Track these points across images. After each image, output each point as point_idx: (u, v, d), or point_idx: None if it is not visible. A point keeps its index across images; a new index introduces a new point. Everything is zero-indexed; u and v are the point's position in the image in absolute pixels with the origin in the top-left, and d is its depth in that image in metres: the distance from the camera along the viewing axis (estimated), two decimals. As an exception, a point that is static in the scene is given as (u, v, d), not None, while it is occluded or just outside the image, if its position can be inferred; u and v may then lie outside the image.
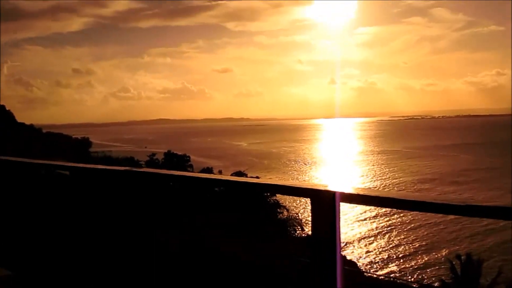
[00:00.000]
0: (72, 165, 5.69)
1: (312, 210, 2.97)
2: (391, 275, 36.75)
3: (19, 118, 79.50)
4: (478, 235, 44.95)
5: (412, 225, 49.15)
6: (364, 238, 46.85)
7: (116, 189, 4.50)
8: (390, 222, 50.80)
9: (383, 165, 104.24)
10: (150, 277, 4.06)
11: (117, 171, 4.37)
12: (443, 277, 28.34)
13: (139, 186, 4.27)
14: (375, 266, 39.94)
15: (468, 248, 40.41)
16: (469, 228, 46.23)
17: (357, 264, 35.46)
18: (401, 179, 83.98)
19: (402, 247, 44.20)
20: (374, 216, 51.93)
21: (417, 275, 37.63)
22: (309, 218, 2.99)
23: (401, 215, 50.73)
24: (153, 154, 51.69)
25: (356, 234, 47.35)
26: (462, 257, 25.40)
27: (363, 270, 35.88)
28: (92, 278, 4.45)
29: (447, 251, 41.54)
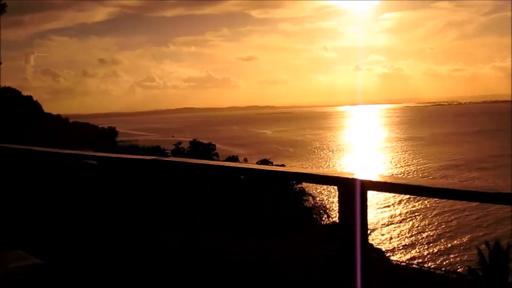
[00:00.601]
0: (98, 154, 5.75)
1: (340, 199, 2.96)
2: (418, 263, 36.59)
3: (46, 109, 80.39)
4: (505, 220, 44.44)
5: (436, 211, 48.79)
6: (388, 224, 46.67)
7: (143, 179, 4.53)
8: (413, 208, 50.49)
9: (408, 152, 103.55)
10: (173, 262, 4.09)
11: (145, 160, 4.41)
12: (469, 265, 28.11)
13: (167, 175, 4.30)
14: (399, 253, 39.82)
15: (493, 234, 40.14)
16: (493, 214, 45.74)
17: (384, 252, 35.36)
18: (426, 165, 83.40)
19: (427, 233, 43.93)
20: (397, 203, 51.66)
21: (442, 261, 37.44)
22: (334, 206, 2.99)
23: (423, 201, 50.40)
24: (179, 143, 51.84)
25: (379, 221, 47.14)
26: (491, 244, 25.16)
27: (390, 258, 35.80)
28: (117, 267, 4.50)
29: (471, 237, 41.27)
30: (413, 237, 43.37)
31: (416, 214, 49.16)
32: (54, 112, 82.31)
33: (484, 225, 44.26)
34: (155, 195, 4.37)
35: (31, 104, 70.81)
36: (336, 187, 2.99)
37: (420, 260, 37.49)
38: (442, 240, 41.88)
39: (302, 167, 69.01)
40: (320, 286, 4.06)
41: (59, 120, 77.34)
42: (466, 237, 41.73)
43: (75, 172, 5.91)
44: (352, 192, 2.88)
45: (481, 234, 41.19)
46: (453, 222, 46.00)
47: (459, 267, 34.91)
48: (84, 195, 5.46)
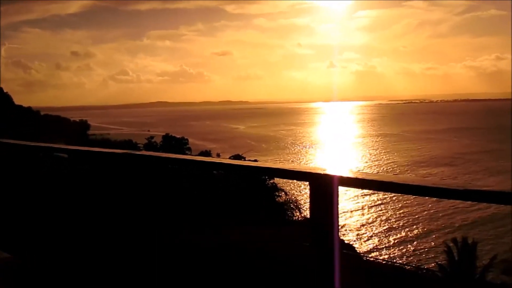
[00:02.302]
0: (69, 147, 5.67)
1: (311, 194, 2.96)
2: (389, 259, 36.94)
3: (18, 101, 79.26)
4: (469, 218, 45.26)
5: (405, 208, 49.39)
6: (359, 221, 47.05)
7: (114, 172, 4.49)
8: (383, 203, 51.01)
9: (379, 148, 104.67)
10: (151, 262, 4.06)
11: (115, 154, 4.36)
12: (438, 261, 28.54)
13: (138, 169, 4.26)
14: (369, 248, 40.20)
15: (460, 230, 40.91)
16: (461, 210, 46.51)
17: (355, 248, 35.63)
18: (396, 161, 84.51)
19: (397, 230, 44.41)
20: (365, 198, 52.14)
21: (412, 258, 37.91)
22: (307, 201, 2.99)
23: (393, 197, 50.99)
24: (152, 137, 51.56)
25: (352, 217, 47.50)
26: (459, 241, 25.56)
27: (361, 253, 36.08)
28: (88, 262, 4.46)
29: (439, 234, 41.89)
30: (383, 232, 43.81)
31: (385, 208, 49.66)
32: (25, 105, 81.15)
33: (452, 221, 44.93)
34: (125, 189, 4.33)
35: (1, 96, 69.73)
36: (307, 183, 2.99)
37: (392, 258, 37.90)
38: (411, 237, 42.40)
39: (274, 162, 69.18)
40: (296, 282, 4.07)
41: (30, 113, 76.30)
42: (435, 234, 42.29)
43: (45, 165, 5.81)
44: (323, 187, 2.88)
45: (450, 230, 41.87)
46: (419, 216, 46.65)
47: (430, 263, 35.36)
48: (54, 189, 5.38)
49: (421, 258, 38.00)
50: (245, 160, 42.23)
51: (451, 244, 26.21)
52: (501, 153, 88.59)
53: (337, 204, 2.94)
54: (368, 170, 77.63)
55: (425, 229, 44.32)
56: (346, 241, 37.40)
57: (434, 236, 42.43)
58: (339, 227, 3.07)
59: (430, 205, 47.89)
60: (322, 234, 2.94)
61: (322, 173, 2.93)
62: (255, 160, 43.71)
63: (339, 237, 3.06)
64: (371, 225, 46.66)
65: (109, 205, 4.46)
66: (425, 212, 47.94)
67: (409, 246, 40.90)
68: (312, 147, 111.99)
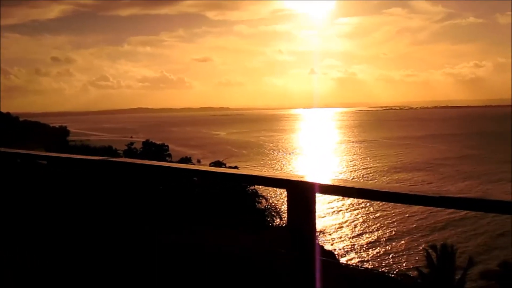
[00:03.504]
0: (47, 154, 5.62)
1: (288, 201, 2.97)
2: (368, 266, 37.10)
3: (-3, 106, 78.38)
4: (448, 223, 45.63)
5: (381, 213, 49.67)
6: (334, 226, 47.16)
7: (92, 179, 4.47)
8: (363, 210, 51.24)
9: (358, 154, 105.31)
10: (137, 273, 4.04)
11: (93, 160, 4.33)
12: (418, 267, 28.70)
13: (116, 176, 4.24)
14: (348, 255, 40.30)
15: (436, 236, 41.36)
16: (436, 215, 46.90)
17: (335, 255, 35.69)
18: (374, 167, 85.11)
19: (375, 235, 44.62)
20: (346, 205, 52.33)
21: (390, 263, 38.10)
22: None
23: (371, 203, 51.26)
24: (131, 143, 51.31)
25: (328, 223, 47.57)
26: (438, 247, 25.75)
27: (341, 260, 36.16)
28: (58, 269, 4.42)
29: (412, 238, 42.26)
30: (361, 239, 43.98)
31: (364, 215, 49.87)
32: (4, 110, 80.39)
33: (428, 228, 45.25)
34: (103, 196, 4.31)
35: (-21, 102, 68.95)
36: (285, 190, 2.99)
37: (372, 265, 38.08)
38: (388, 242, 42.62)
39: (253, 169, 69.21)
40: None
41: (8, 119, 75.53)
42: (408, 239, 42.57)
43: (23, 172, 5.76)
44: (301, 195, 2.89)
45: (424, 235, 42.21)
46: (397, 222, 46.92)
47: (410, 269, 35.56)
48: (32, 196, 5.33)
49: (393, 261, 38.28)
50: (225, 166, 42.19)
51: (430, 250, 26.41)
52: (478, 158, 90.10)
53: (315, 211, 2.95)
54: (346, 175, 78.32)
55: (397, 232, 44.64)
56: (326, 248, 37.51)
57: (407, 238, 42.76)
58: (319, 234, 3.09)
59: (403, 208, 48.19)
60: (300, 241, 2.95)
61: (299, 180, 2.93)
62: (236, 166, 43.67)
63: (317, 245, 3.07)
64: (344, 227, 46.84)
65: (88, 211, 4.43)
66: (399, 214, 48.24)
67: (382, 249, 41.14)
68: (292, 154, 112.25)
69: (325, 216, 48.23)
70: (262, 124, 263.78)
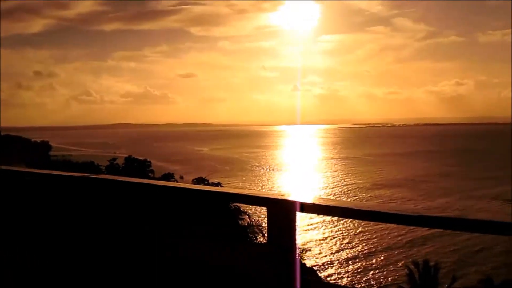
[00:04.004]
0: (27, 170, 5.57)
1: (268, 219, 2.97)
2: (347, 283, 37.08)
3: (-23, 121, 77.56)
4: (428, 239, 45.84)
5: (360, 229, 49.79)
6: (315, 241, 47.15)
7: (73, 196, 4.42)
8: (343, 225, 51.32)
9: (340, 171, 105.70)
10: None
11: (73, 177, 4.30)
12: (400, 284, 28.79)
13: (96, 193, 4.21)
14: (328, 270, 40.30)
15: (416, 252, 41.62)
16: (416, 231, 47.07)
17: (316, 271, 35.64)
18: (356, 183, 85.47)
19: (354, 250, 44.67)
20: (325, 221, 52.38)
21: (370, 279, 38.15)
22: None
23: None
24: (114, 159, 51.11)
25: (308, 238, 47.52)
26: (420, 263, 25.84)
27: (322, 277, 36.10)
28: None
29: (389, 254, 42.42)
30: (341, 254, 44.01)
31: (344, 230, 49.93)
32: (-15, 124, 79.57)
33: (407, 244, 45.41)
34: (84, 214, 4.27)
35: (-41, 116, 68.35)
36: (265, 208, 2.99)
37: (354, 282, 38.06)
38: (368, 259, 42.70)
39: (234, 186, 69.15)
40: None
41: (-11, 133, 74.80)
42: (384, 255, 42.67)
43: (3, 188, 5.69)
44: (281, 213, 2.89)
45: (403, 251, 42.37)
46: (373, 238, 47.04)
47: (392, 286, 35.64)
48: (9, 211, 5.27)
49: (373, 277, 38.36)
50: (208, 182, 42.13)
51: (412, 266, 26.49)
52: (457, 175, 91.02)
53: (295, 229, 2.95)
54: (328, 192, 78.56)
55: (377, 247, 44.77)
56: (308, 266, 37.42)
57: (386, 254, 42.89)
58: (300, 251, 3.08)
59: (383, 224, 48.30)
60: (279, 259, 2.94)
61: (279, 198, 2.93)
62: (218, 183, 43.65)
63: (297, 263, 3.06)
64: (324, 243, 46.86)
65: (67, 228, 4.39)
66: (379, 230, 48.34)
67: (362, 265, 41.22)
68: (275, 170, 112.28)
69: (306, 231, 48.19)
70: (245, 140, 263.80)
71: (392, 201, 67.49)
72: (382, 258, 42.46)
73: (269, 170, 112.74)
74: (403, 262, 39.24)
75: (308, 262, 39.72)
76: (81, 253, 4.20)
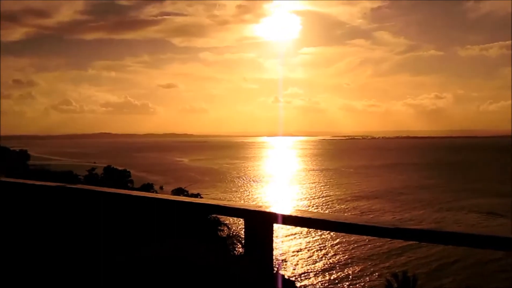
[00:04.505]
0: (1, 179, 5.49)
1: (246, 231, 2.96)
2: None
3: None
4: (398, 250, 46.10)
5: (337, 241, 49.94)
6: (292, 252, 47.15)
7: (48, 205, 4.37)
8: (320, 234, 51.38)
9: (319, 183, 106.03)
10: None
11: (48, 186, 4.25)
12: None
13: (73, 203, 4.16)
14: (306, 281, 40.31)
15: (392, 262, 41.89)
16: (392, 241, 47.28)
17: (294, 282, 35.55)
18: (335, 195, 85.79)
19: (331, 261, 44.74)
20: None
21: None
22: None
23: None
24: (93, 169, 50.71)
25: (285, 248, 47.50)
26: (399, 275, 25.92)
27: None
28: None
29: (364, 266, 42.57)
30: (317, 265, 44.05)
31: (321, 240, 49.98)
32: (-38, 133, 78.65)
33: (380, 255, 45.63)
34: (58, 223, 4.22)
35: None
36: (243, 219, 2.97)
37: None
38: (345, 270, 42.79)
39: (212, 198, 68.98)
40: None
41: (-34, 141, 73.81)
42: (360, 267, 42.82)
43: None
44: (258, 224, 2.88)
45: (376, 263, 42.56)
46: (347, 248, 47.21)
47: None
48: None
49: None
50: (187, 193, 41.95)
51: (390, 278, 26.55)
52: (435, 187, 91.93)
53: (272, 241, 2.94)
54: (306, 203, 78.68)
55: (353, 259, 44.91)
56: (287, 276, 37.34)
57: (362, 265, 43.01)
58: (279, 262, 3.06)
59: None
60: (258, 270, 2.93)
61: (257, 210, 2.93)
62: (198, 194, 43.50)
63: (274, 274, 3.05)
64: (300, 254, 46.89)
65: (39, 237, 4.33)
66: (357, 240, 48.44)
67: (338, 275, 41.28)
68: (255, 181, 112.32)
69: (283, 242, 48.16)
70: (226, 151, 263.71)
71: (370, 212, 67.79)
72: (359, 268, 42.53)
73: (249, 181, 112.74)
74: (378, 273, 39.55)
75: (285, 273, 39.69)
76: (50, 261, 4.14)
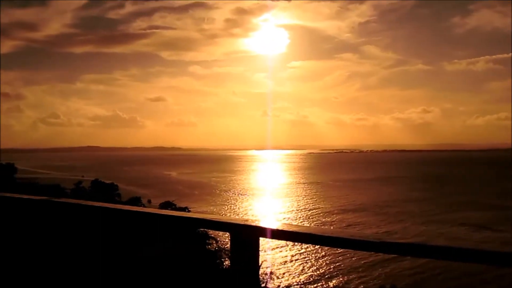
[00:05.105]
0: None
1: (231, 245, 2.95)
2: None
3: None
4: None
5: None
6: (276, 264, 47.03)
7: (32, 219, 4.34)
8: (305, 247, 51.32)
9: (307, 196, 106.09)
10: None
11: (33, 200, 4.22)
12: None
13: (58, 217, 4.13)
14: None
15: (377, 274, 41.90)
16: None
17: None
18: (322, 209, 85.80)
19: (314, 274, 44.66)
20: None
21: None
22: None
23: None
24: (80, 182, 50.46)
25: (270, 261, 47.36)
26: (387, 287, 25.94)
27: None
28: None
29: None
30: (300, 278, 43.97)
31: (305, 253, 49.89)
32: None
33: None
34: (46, 237, 4.19)
35: None
36: (229, 233, 2.96)
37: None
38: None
39: (200, 211, 68.80)
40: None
41: (-49, 155, 73.18)
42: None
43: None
44: (244, 238, 2.87)
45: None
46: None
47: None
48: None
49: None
50: (176, 206, 41.78)
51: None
52: (423, 200, 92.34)
53: (259, 255, 2.93)
54: (293, 216, 78.66)
55: (337, 270, 44.89)
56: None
57: (345, 277, 42.99)
58: (259, 278, 3.05)
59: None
60: (244, 284, 2.92)
61: (243, 224, 2.92)
62: (186, 207, 43.32)
63: (264, 287, 3.04)
64: (284, 266, 46.77)
65: (23, 251, 4.29)
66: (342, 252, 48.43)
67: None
68: (243, 195, 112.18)
69: (268, 254, 48.03)
70: (215, 164, 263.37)
71: (356, 225, 67.90)
72: (345, 280, 42.49)
73: (238, 194, 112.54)
74: (363, 286, 39.55)
75: (271, 286, 39.54)
76: (37, 275, 4.10)
